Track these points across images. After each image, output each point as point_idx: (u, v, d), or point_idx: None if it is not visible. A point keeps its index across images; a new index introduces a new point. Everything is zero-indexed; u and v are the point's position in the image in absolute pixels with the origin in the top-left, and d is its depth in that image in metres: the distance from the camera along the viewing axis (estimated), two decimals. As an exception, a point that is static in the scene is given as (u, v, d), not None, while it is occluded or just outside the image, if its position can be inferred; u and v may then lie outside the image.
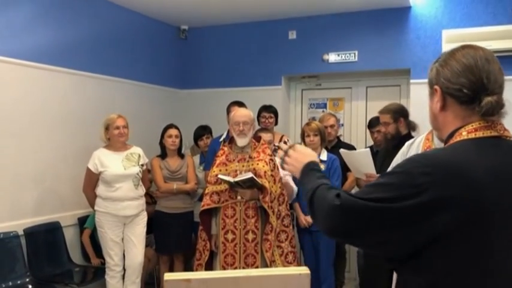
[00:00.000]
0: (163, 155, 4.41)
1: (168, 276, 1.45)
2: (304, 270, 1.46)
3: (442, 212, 1.11)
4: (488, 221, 1.13)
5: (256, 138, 3.69)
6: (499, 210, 1.14)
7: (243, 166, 3.50)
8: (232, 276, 1.48)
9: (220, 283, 1.45)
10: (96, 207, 3.89)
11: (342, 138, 4.91)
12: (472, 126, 1.23)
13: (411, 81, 4.82)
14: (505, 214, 1.15)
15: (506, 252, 1.15)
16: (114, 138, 3.90)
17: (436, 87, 1.29)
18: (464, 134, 1.23)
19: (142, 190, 3.98)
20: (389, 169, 3.18)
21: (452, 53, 1.29)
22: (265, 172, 3.43)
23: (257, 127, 4.15)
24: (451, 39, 4.43)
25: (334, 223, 1.22)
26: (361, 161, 3.62)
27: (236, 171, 3.49)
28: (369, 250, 1.31)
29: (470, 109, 1.23)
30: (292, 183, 3.84)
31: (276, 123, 4.65)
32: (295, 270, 1.47)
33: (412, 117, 4.56)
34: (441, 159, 1.19)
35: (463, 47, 1.29)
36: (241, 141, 3.55)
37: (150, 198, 4.62)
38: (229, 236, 3.44)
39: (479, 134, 1.22)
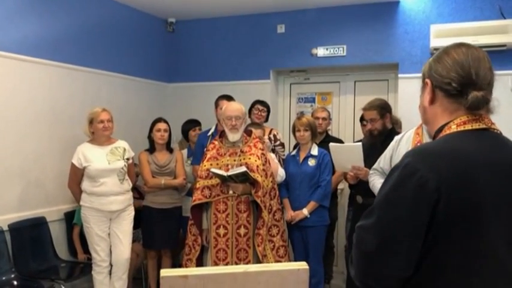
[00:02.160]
0: (151, 149, 4.35)
1: (164, 272, 1.42)
2: (303, 265, 1.45)
3: (439, 201, 1.15)
4: (479, 209, 1.17)
5: (247, 132, 3.66)
6: (489, 199, 1.18)
7: (234, 160, 3.48)
8: (230, 272, 1.46)
9: (218, 279, 1.43)
10: (81, 202, 3.84)
11: (330, 133, 4.91)
12: (461, 119, 1.27)
13: (399, 75, 4.84)
14: (496, 203, 1.18)
15: (498, 241, 1.19)
16: (98, 133, 3.84)
17: (427, 80, 1.34)
18: (453, 127, 1.27)
19: (128, 185, 3.93)
20: (376, 163, 3.21)
21: (447, 49, 1.33)
22: (257, 166, 3.41)
23: (248, 121, 4.12)
24: (439, 34, 4.45)
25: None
26: (351, 154, 3.61)
27: (227, 165, 3.46)
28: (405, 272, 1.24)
29: (458, 103, 1.28)
30: (280, 169, 3.85)
31: (267, 120, 4.62)
32: (294, 266, 1.46)
33: (400, 111, 4.60)
34: (434, 150, 1.23)
35: (458, 45, 1.33)
36: (233, 137, 3.51)
37: (138, 193, 4.57)
38: (221, 231, 3.42)
39: (468, 127, 1.26)
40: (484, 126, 1.26)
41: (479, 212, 1.17)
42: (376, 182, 3.17)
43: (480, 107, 1.26)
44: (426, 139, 3.00)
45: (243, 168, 3.28)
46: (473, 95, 1.24)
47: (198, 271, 1.45)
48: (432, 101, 1.32)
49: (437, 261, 1.17)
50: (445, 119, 1.30)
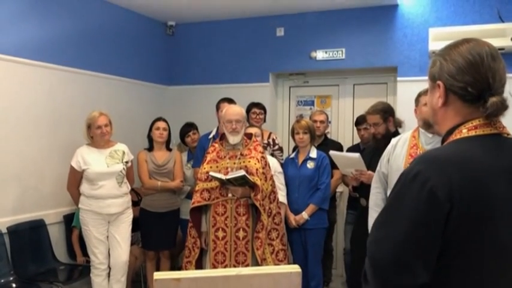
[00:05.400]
0: (150, 147, 4.36)
1: (157, 275, 1.43)
2: (295, 268, 1.45)
3: (451, 210, 1.12)
4: (492, 216, 1.14)
5: (248, 135, 3.67)
6: (502, 206, 1.15)
7: (234, 163, 3.48)
8: (222, 275, 1.47)
9: (211, 282, 1.44)
10: (80, 205, 3.85)
11: (329, 136, 4.92)
12: (472, 123, 1.23)
13: (398, 79, 4.84)
14: (509, 208, 1.16)
15: (510, 248, 1.16)
16: (96, 138, 3.86)
17: (439, 82, 1.27)
18: (464, 132, 1.23)
19: (127, 188, 3.93)
20: (378, 166, 3.20)
21: (456, 46, 1.25)
22: (256, 170, 3.42)
23: (247, 124, 4.13)
24: (437, 37, 4.45)
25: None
26: (352, 163, 3.63)
27: (227, 168, 3.47)
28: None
29: (474, 107, 1.23)
30: (283, 200, 3.89)
31: (265, 120, 4.65)
32: (286, 269, 1.47)
33: (399, 115, 4.59)
34: (445, 158, 1.19)
35: (468, 41, 1.26)
36: (234, 139, 3.52)
37: (136, 196, 4.57)
38: (220, 234, 3.42)
39: (480, 132, 1.22)
40: (496, 131, 1.22)
41: (493, 218, 1.14)
42: (370, 219, 3.15)
43: (499, 114, 1.21)
44: (422, 142, 3.00)
45: (242, 172, 3.28)
46: (492, 102, 1.18)
47: (191, 274, 1.45)
48: (445, 103, 1.27)
49: (450, 266, 1.15)
50: (456, 122, 1.26)
